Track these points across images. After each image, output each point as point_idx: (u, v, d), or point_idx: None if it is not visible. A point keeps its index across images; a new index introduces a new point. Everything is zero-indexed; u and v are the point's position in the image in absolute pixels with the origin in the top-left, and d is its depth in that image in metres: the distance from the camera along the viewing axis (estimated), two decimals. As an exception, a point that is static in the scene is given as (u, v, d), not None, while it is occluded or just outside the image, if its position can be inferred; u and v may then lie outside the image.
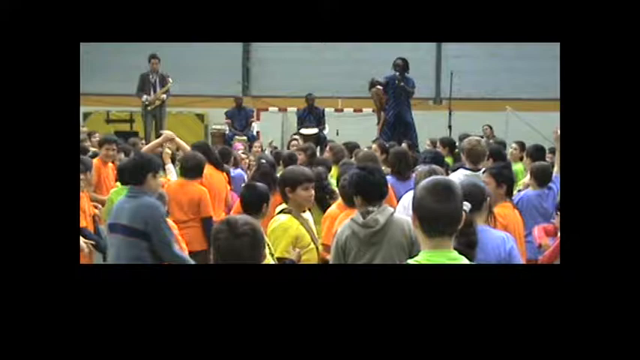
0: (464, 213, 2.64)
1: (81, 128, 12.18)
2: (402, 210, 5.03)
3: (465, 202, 3.29)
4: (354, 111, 16.05)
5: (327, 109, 14.49)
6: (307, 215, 4.90)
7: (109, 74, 15.93)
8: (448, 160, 8.21)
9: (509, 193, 4.91)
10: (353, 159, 7.45)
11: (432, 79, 17.21)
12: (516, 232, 4.60)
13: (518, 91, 16.38)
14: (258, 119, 15.57)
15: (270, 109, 16.64)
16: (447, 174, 5.69)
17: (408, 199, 4.98)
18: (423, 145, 11.60)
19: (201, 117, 16.70)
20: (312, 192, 4.84)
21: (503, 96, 16.25)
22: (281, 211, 4.79)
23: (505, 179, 4.83)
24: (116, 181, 7.17)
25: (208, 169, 6.66)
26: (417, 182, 4.60)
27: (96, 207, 6.30)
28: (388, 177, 5.92)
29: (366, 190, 4.12)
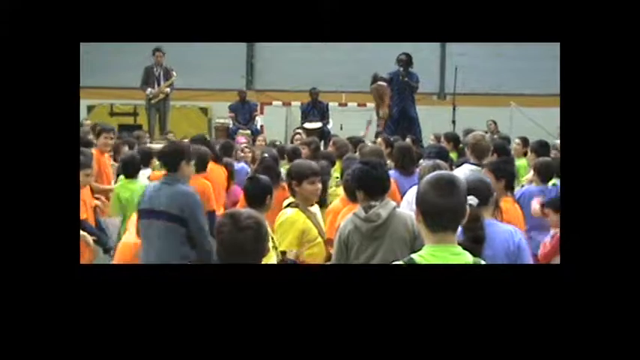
0: (470, 207, 2.64)
1: (85, 121, 12.21)
2: (406, 205, 5.03)
3: (472, 197, 3.29)
4: (358, 105, 16.03)
5: (331, 104, 14.48)
6: (315, 209, 4.91)
7: (112, 69, 15.95)
8: (452, 155, 8.20)
9: (508, 188, 4.90)
10: (357, 153, 7.43)
11: (436, 74, 17.19)
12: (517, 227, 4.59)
13: (523, 86, 16.36)
14: (261, 113, 15.57)
15: (274, 103, 16.63)
16: (451, 169, 5.69)
17: (412, 194, 4.97)
18: (427, 140, 11.59)
19: (204, 111, 16.71)
20: (319, 186, 4.86)
21: (508, 91, 16.23)
22: (288, 205, 4.81)
23: (504, 174, 4.82)
24: (118, 174, 7.18)
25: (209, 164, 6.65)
26: (421, 177, 4.60)
27: (97, 198, 6.29)
28: (392, 172, 5.93)
29: (369, 184, 4.12)
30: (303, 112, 14.17)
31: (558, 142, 7.93)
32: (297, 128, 12.95)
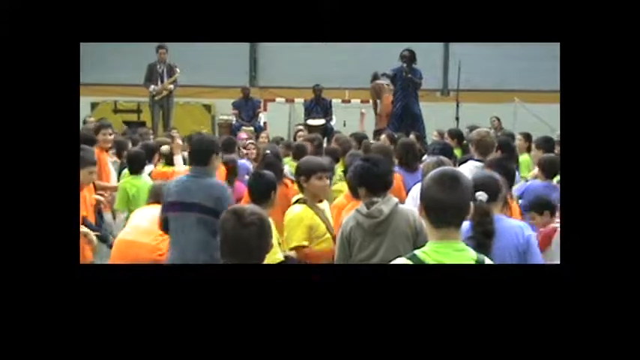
0: (480, 203, 2.63)
1: (88, 118, 12.21)
2: (411, 201, 5.03)
3: (481, 193, 3.28)
4: (362, 102, 16.00)
5: (334, 100, 14.47)
6: (324, 205, 4.91)
7: (116, 64, 15.95)
8: (457, 151, 8.18)
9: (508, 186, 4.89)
10: (360, 150, 7.42)
11: (440, 70, 17.15)
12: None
13: (526, 82, 16.32)
14: (265, 110, 15.53)
15: (278, 99, 16.59)
16: (455, 165, 5.68)
17: (417, 190, 4.97)
18: (431, 136, 11.57)
19: (208, 107, 16.71)
20: (327, 182, 4.87)
21: (511, 87, 16.19)
22: (296, 201, 4.82)
23: (500, 170, 4.81)
24: (121, 170, 7.18)
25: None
26: (424, 173, 4.59)
27: (100, 194, 6.29)
28: (395, 168, 5.91)
29: (370, 181, 4.12)
30: (306, 108, 14.16)
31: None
32: (300, 125, 12.94)
